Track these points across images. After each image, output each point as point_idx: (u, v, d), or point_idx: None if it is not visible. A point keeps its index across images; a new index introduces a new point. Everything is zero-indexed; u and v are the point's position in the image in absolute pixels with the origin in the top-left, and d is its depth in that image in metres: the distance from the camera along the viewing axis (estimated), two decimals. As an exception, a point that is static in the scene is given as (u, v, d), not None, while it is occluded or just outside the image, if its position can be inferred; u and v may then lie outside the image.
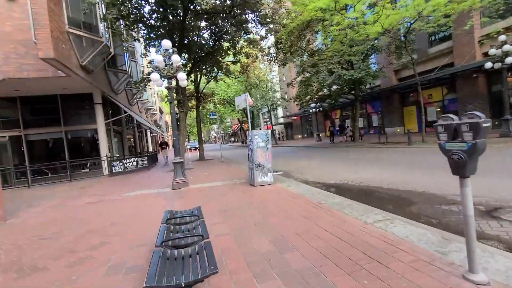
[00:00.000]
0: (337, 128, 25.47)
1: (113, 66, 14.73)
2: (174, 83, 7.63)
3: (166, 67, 7.11)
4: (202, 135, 18.56)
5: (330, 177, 7.42)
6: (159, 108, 45.28)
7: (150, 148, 32.01)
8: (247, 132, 7.23)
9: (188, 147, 38.68)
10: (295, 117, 36.74)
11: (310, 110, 26.10)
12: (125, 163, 12.30)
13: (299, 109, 35.20)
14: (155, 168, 14.83)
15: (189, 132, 64.71)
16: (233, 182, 7.57)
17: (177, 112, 11.47)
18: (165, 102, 21.17)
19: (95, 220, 4.79)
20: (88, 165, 13.06)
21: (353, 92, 18.28)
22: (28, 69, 9.61)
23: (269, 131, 6.98)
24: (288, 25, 14.32)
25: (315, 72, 14.11)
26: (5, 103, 12.11)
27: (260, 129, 55.52)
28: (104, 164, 12.10)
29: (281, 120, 42.53)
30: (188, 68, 13.98)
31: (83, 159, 12.49)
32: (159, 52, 7.13)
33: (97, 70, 12.28)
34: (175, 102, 8.78)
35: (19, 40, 9.48)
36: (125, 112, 13.68)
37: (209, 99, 20.80)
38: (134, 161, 12.73)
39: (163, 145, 15.61)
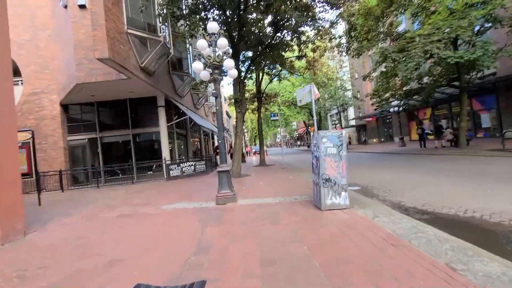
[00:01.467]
0: (428, 131, 20.60)
1: (177, 70, 14.79)
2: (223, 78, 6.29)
3: (211, 56, 5.84)
4: (268, 139, 17.34)
5: (439, 203, 4.81)
6: (227, 112, 46.62)
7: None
8: (312, 133, 5.03)
9: (253, 150, 38.48)
10: (370, 118, 32.14)
11: (391, 110, 21.95)
12: (183, 167, 11.86)
13: (376, 109, 30.61)
14: (215, 172, 14.13)
15: (255, 135, 65.56)
16: (292, 200, 5.73)
17: (233, 112, 10.33)
18: (233, 106, 20.71)
19: (104, 249, 3.69)
20: (154, 167, 13.23)
21: (455, 82, 14.00)
22: (97, 74, 9.92)
23: (343, 132, 4.89)
24: (366, 4, 11.64)
25: (404, 58, 10.97)
26: (85, 108, 13.26)
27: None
28: (163, 168, 11.89)
29: (353, 122, 38.12)
30: (246, 65, 12.82)
31: (144, 162, 12.63)
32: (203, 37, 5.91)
33: (159, 72, 12.26)
34: (230, 100, 7.59)
35: (88, 46, 9.87)
36: (186, 114, 13.43)
37: (272, 100, 19.44)
38: (191, 165, 12.21)
39: (217, 149, 14.77)
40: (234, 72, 6.26)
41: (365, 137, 32.13)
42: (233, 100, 13.53)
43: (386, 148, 21.08)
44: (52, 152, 12.64)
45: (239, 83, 11.18)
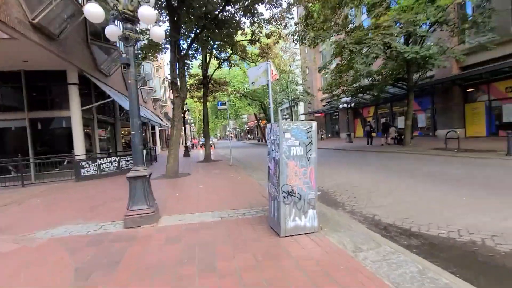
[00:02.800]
0: (371, 128, 21.39)
1: (100, 40, 11.68)
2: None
3: (120, 1, 3.74)
4: (218, 131, 15.31)
5: (420, 217, 3.80)
6: (171, 100, 42.54)
7: (158, 145, 29.33)
8: (267, 126, 3.20)
9: (201, 143, 35.84)
10: (319, 114, 32.75)
11: (340, 106, 22.14)
12: (101, 163, 9.21)
13: (325, 105, 31.19)
14: (149, 169, 11.67)
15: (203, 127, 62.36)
16: (240, 216, 4.13)
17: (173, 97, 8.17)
18: (188, 97, 18.07)
19: None
20: (64, 163, 10.13)
21: (402, 81, 14.22)
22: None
23: (314, 124, 3.44)
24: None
25: (361, 49, 10.29)
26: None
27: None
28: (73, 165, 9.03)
29: (302, 118, 38.58)
30: (189, 40, 10.64)
31: (42, 157, 9.50)
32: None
33: (70, 39, 9.24)
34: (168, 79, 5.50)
35: None
36: (109, 96, 10.61)
37: (220, 87, 17.48)
38: (114, 161, 9.61)
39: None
40: (158, 31, 4.27)
41: (323, 132, 32.20)
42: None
43: (335, 144, 21.20)
44: None
45: (178, 61, 9.01)
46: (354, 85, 16.22)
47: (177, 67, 8.99)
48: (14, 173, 9.65)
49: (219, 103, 11.34)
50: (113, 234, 3.65)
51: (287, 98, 29.67)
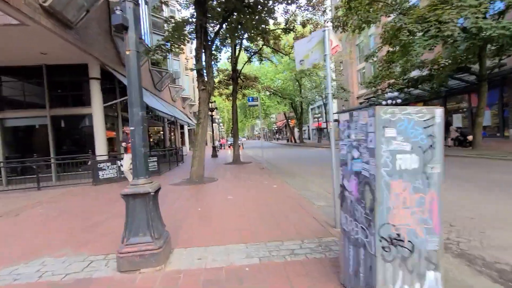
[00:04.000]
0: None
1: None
2: None
3: None
4: (246, 131, 13.99)
5: None
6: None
7: (187, 145, 28.97)
8: (341, 116, 1.44)
9: (229, 143, 35.01)
10: (355, 113, 30.04)
11: (383, 103, 19.64)
12: (121, 165, 8.32)
13: (362, 103, 28.55)
14: (173, 171, 10.72)
15: (232, 127, 61.85)
16: (286, 258, 2.67)
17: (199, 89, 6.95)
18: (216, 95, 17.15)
19: None
20: (87, 164, 9.50)
21: (466, 71, 11.73)
22: (-38, 11, 6.02)
23: (439, 112, 1.86)
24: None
25: (422, 30, 8.27)
26: (-23, 75, 9.12)
27: (336, 120, 49.52)
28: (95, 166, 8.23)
29: (335, 117, 36.08)
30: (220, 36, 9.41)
31: (59, 157, 8.86)
32: None
33: (91, 30, 8.53)
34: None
35: None
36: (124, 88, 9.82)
37: (250, 83, 16.19)
38: (135, 162, 8.70)
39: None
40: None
41: None
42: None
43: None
44: None
45: (204, 49, 7.80)
46: (404, 77, 13.95)
47: (203, 56, 7.79)
48: (40, 173, 9.20)
49: (250, 98, 10.01)
50: (98, 282, 2.39)
51: (320, 95, 27.56)
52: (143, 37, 11.72)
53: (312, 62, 3.78)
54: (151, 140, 20.03)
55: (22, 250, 3.20)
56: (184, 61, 24.56)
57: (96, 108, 9.24)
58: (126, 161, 7.09)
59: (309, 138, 48.17)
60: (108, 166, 8.03)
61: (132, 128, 2.65)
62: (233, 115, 12.84)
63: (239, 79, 13.70)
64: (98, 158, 8.65)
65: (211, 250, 2.96)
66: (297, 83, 29.66)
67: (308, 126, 48.56)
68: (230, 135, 64.80)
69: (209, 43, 8.11)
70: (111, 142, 13.16)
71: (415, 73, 14.48)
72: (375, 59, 13.37)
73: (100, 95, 9.35)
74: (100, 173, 7.85)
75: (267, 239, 3.20)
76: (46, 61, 8.95)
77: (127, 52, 2.65)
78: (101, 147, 9.30)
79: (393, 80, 14.72)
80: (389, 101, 10.68)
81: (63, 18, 6.94)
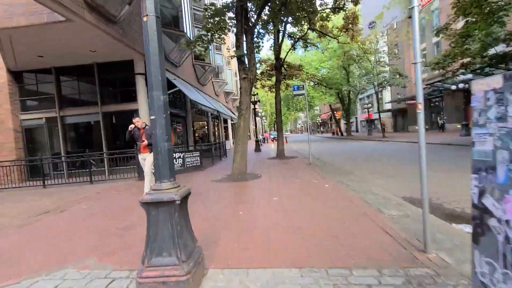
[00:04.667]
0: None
1: (169, 27, 10.91)
2: None
3: None
4: (288, 124, 13.10)
5: None
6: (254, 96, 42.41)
7: (231, 139, 29.16)
8: (484, 86, 0.31)
9: (272, 137, 34.37)
10: (413, 101, 26.63)
11: (453, 87, 16.77)
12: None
13: (425, 87, 25.02)
14: (216, 166, 10.44)
15: (274, 120, 60.92)
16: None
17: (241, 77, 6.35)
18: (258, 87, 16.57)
19: None
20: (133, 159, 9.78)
21: None
22: (18, 13, 6.33)
23: None
24: None
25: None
26: (42, 76, 9.90)
27: (356, 118, 45.70)
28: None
29: (389, 106, 32.63)
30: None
31: (106, 153, 9.13)
32: None
33: (135, 25, 8.52)
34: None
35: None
36: (171, 85, 9.67)
37: (295, 72, 15.12)
38: (178, 157, 8.54)
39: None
40: None
41: (443, 120, 23.94)
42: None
43: (442, 138, 16.17)
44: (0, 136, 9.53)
45: (245, 33, 7.11)
46: (483, 54, 11.43)
47: (244, 41, 7.12)
48: (95, 166, 9.73)
49: (296, 87, 9.06)
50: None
51: (372, 83, 24.96)
52: (185, 30, 11.60)
53: (388, 23, 2.76)
54: (196, 135, 20.44)
55: (49, 256, 2.93)
56: (226, 55, 24.45)
57: (142, 103, 9.33)
58: (146, 164, 5.46)
59: (356, 131, 44.87)
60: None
61: (152, 117, 2.06)
62: (276, 107, 12.05)
63: (282, 68, 12.78)
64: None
65: (255, 275, 2.26)
66: (344, 71, 27.41)
67: (356, 118, 45.21)
68: (273, 128, 63.85)
69: (251, 27, 7.39)
70: (181, 138, 13.53)
71: (499, 49, 11.76)
72: (447, 33, 11.13)
73: (145, 90, 9.40)
74: (145, 168, 7.83)
75: (327, 263, 2.38)
76: (96, 59, 9.29)
77: (144, 19, 2.04)
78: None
79: (468, 59, 12.22)
80: (461, 85, 8.81)
81: (105, 12, 6.91)
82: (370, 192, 4.88)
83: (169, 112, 2.16)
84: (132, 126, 5.41)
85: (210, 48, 16.31)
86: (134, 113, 9.67)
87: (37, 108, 9.96)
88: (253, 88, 17.55)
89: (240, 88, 7.07)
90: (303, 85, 9.03)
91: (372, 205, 3.98)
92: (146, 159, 5.48)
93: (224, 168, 9.28)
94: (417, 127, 2.36)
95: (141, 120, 5.52)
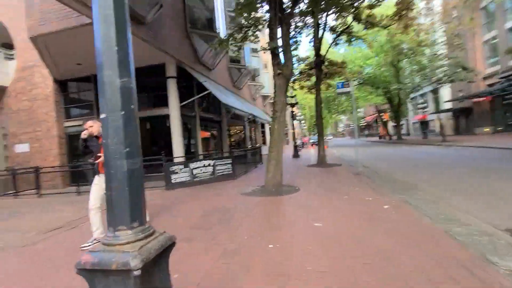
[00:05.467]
0: None
1: (201, 28, 10.53)
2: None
3: None
4: (329, 128, 11.64)
5: None
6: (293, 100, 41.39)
7: (268, 143, 28.29)
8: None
9: (311, 141, 32.58)
10: (482, 98, 22.73)
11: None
12: (193, 168, 7.61)
13: (492, 84, 21.18)
14: (250, 174, 9.61)
15: (314, 123, 58.33)
16: None
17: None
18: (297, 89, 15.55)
19: None
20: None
21: None
22: (51, 18, 6.30)
23: None
24: None
25: None
26: (82, 85, 10.19)
27: (407, 119, 41.03)
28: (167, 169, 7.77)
29: (449, 105, 28.49)
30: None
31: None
32: None
33: (166, 27, 8.21)
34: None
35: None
36: (203, 89, 9.12)
37: (337, 70, 13.62)
38: (208, 165, 7.87)
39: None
40: None
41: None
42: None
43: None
44: (45, 142, 9.99)
45: (280, 23, 6.15)
46: None
47: (279, 32, 6.16)
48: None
49: (340, 84, 7.75)
50: None
51: (427, 79, 21.92)
52: (218, 30, 11.08)
53: None
54: (232, 140, 19.99)
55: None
56: (263, 57, 23.79)
57: (173, 107, 8.96)
58: (95, 191, 3.70)
59: (407, 134, 40.46)
60: (181, 169, 7.43)
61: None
62: (317, 109, 10.79)
63: (323, 65, 11.49)
64: (175, 160, 8.27)
65: None
66: (393, 69, 24.64)
67: (407, 120, 40.83)
68: (313, 133, 61.50)
69: (286, 16, 6.39)
70: (206, 142, 13.19)
71: None
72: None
73: (177, 94, 9.03)
74: (173, 176, 7.31)
75: None
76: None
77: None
78: (178, 148, 8.98)
79: None
80: None
81: (133, 12, 6.57)
82: (455, 219, 3.47)
83: (135, 107, 1.29)
84: (85, 133, 3.66)
85: (244, 49, 15.72)
86: (165, 118, 9.37)
87: (78, 115, 10.28)
88: (291, 90, 16.45)
89: (274, 86, 6.11)
90: (348, 81, 7.68)
91: (468, 246, 2.64)
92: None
93: (258, 178, 8.36)
94: (486, 129, 1.23)
95: (96, 124, 3.75)
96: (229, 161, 8.34)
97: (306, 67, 14.03)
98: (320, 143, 10.64)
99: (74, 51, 7.87)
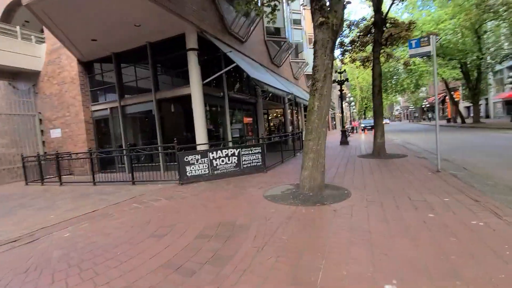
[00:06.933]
0: None
1: (229, -9, 8.81)
2: None
3: None
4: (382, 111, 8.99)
5: None
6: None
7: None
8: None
9: (362, 125, 28.88)
10: None
11: None
12: (213, 158, 6.21)
13: None
14: (286, 166, 7.93)
15: (365, 106, 52.52)
16: None
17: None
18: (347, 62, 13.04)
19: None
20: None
21: None
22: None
23: None
24: None
25: None
26: (105, 66, 9.47)
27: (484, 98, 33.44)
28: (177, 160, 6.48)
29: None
30: None
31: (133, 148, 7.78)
32: None
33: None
34: None
35: None
36: (231, 62, 7.50)
37: (402, 34, 10.62)
38: (232, 154, 6.38)
39: None
40: None
41: None
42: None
43: None
44: (75, 127, 9.71)
45: None
46: None
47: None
48: (140, 162, 8.85)
49: (415, 42, 5.29)
50: None
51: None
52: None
53: None
54: (271, 124, 18.28)
55: None
56: (307, 29, 21.06)
57: (194, 85, 7.61)
58: None
59: (487, 117, 33.43)
60: (197, 160, 6.11)
61: None
62: (374, 82, 8.34)
63: (384, 26, 8.83)
64: (201, 148, 6.99)
65: None
66: (474, 34, 19.53)
67: (487, 99, 33.59)
68: (363, 116, 55.95)
69: None
70: (247, 129, 11.90)
71: None
72: None
73: (198, 69, 7.63)
74: (188, 168, 6.03)
75: None
76: (148, 38, 8.04)
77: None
78: (200, 134, 7.70)
79: None
80: None
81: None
82: None
83: None
84: None
85: (284, 18, 13.55)
86: (188, 98, 8.08)
87: (103, 98, 9.71)
88: (340, 64, 13.81)
89: (314, 43, 4.17)
90: (427, 36, 5.20)
91: None
92: None
93: (294, 171, 6.63)
94: None
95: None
96: (258, 149, 6.74)
97: (360, 33, 11.30)
98: (377, 127, 8.28)
99: (83, 24, 6.96)
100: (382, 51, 10.12)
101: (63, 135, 9.92)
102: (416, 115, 61.68)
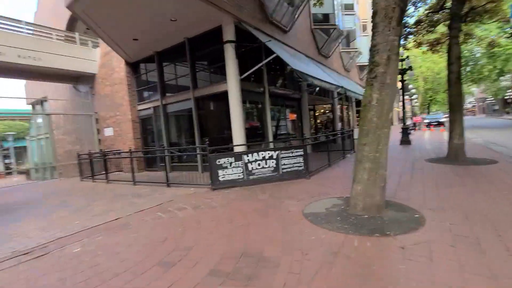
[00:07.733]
0: None
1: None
2: None
3: None
4: (461, 103, 6.97)
5: None
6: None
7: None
8: None
9: (427, 121, 25.02)
10: None
11: None
12: (249, 161, 5.54)
13: None
14: (334, 170, 6.88)
15: (429, 99, 46.04)
16: None
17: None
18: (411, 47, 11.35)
19: None
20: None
21: None
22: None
23: None
24: None
25: None
26: (149, 65, 9.57)
27: None
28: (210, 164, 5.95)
29: None
30: None
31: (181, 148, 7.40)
32: None
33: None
34: None
35: None
36: (269, 54, 6.68)
37: (487, 6, 8.33)
38: (270, 157, 5.63)
39: None
40: None
41: None
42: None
43: None
44: (124, 126, 10.13)
45: None
46: None
47: None
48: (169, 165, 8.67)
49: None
50: None
51: None
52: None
53: None
54: (318, 121, 16.93)
55: None
56: (361, 14, 18.94)
57: (231, 80, 7.05)
58: None
59: None
60: (231, 163, 5.51)
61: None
62: (450, 68, 6.60)
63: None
64: (238, 149, 6.45)
65: None
66: None
67: None
68: (426, 111, 49.40)
69: None
70: (292, 126, 11.28)
71: None
72: None
73: (235, 63, 7.04)
74: (220, 172, 5.48)
75: None
76: (186, 33, 7.76)
77: None
78: (238, 133, 7.13)
79: None
80: None
81: None
82: None
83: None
84: None
85: (334, 3, 12.18)
86: (224, 98, 7.59)
87: (147, 97, 9.90)
88: (402, 50, 11.83)
89: (374, 15, 3.12)
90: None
91: None
92: None
93: (343, 177, 5.57)
94: None
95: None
96: (300, 152, 5.84)
97: (428, 11, 9.36)
98: (455, 123, 6.55)
99: (122, 23, 6.96)
100: (462, 32, 8.15)
101: (115, 134, 10.46)
102: (496, 108, 51.82)
